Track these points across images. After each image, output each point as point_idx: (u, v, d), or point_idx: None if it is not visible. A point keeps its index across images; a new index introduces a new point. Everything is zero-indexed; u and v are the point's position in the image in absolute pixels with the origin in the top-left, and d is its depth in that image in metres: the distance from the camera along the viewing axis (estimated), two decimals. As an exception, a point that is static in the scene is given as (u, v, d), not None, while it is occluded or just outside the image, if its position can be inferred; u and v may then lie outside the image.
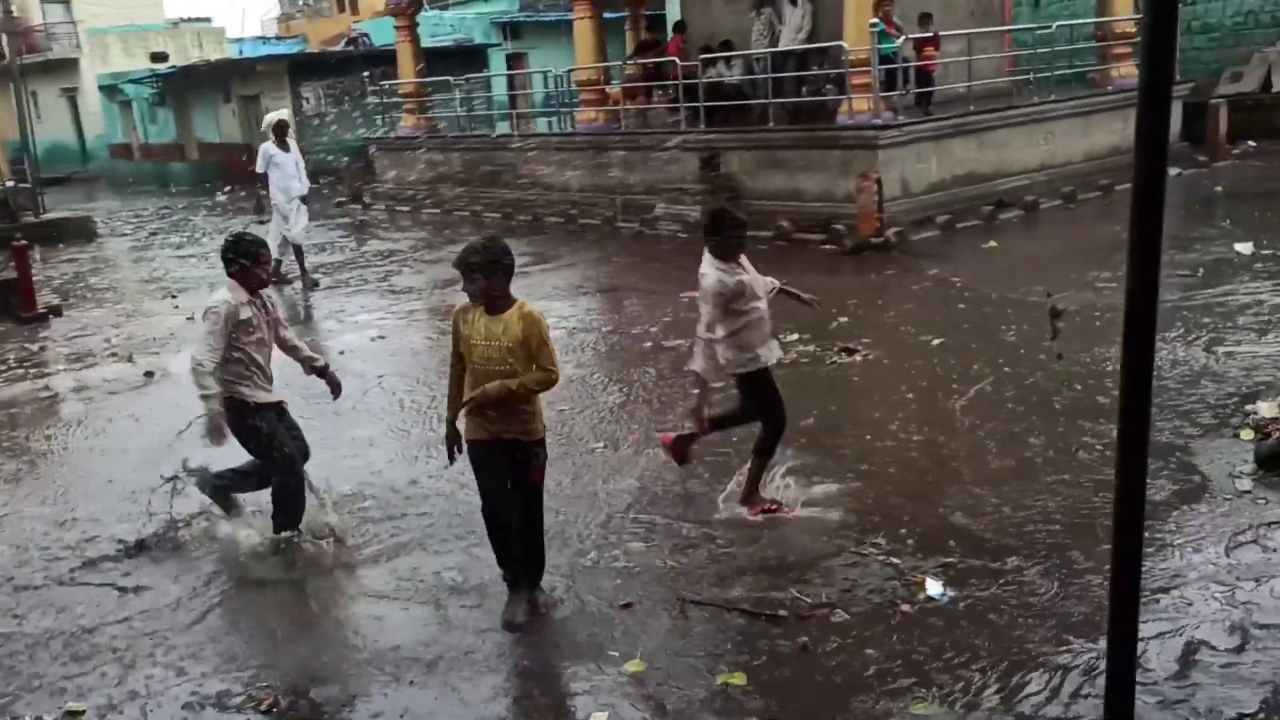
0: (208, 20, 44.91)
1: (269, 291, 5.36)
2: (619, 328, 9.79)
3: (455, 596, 4.76)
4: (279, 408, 5.34)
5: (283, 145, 12.60)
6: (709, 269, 5.17)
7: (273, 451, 5.20)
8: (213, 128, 32.41)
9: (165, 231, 20.46)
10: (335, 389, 5.61)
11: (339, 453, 6.66)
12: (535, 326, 4.21)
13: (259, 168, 12.61)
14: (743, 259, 5.30)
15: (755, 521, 5.23)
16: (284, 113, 13.31)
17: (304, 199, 12.71)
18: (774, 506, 5.30)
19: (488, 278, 4.20)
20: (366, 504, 5.85)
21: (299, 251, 12.85)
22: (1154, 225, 2.06)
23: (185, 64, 33.84)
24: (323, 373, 5.53)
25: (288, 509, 5.28)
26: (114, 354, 10.04)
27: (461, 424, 4.42)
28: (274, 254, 12.66)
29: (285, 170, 12.52)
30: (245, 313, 5.11)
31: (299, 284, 12.77)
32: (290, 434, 5.34)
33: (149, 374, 9.14)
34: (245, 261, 5.15)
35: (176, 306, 12.22)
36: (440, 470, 6.12)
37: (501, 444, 4.34)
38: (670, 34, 18.05)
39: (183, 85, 32.64)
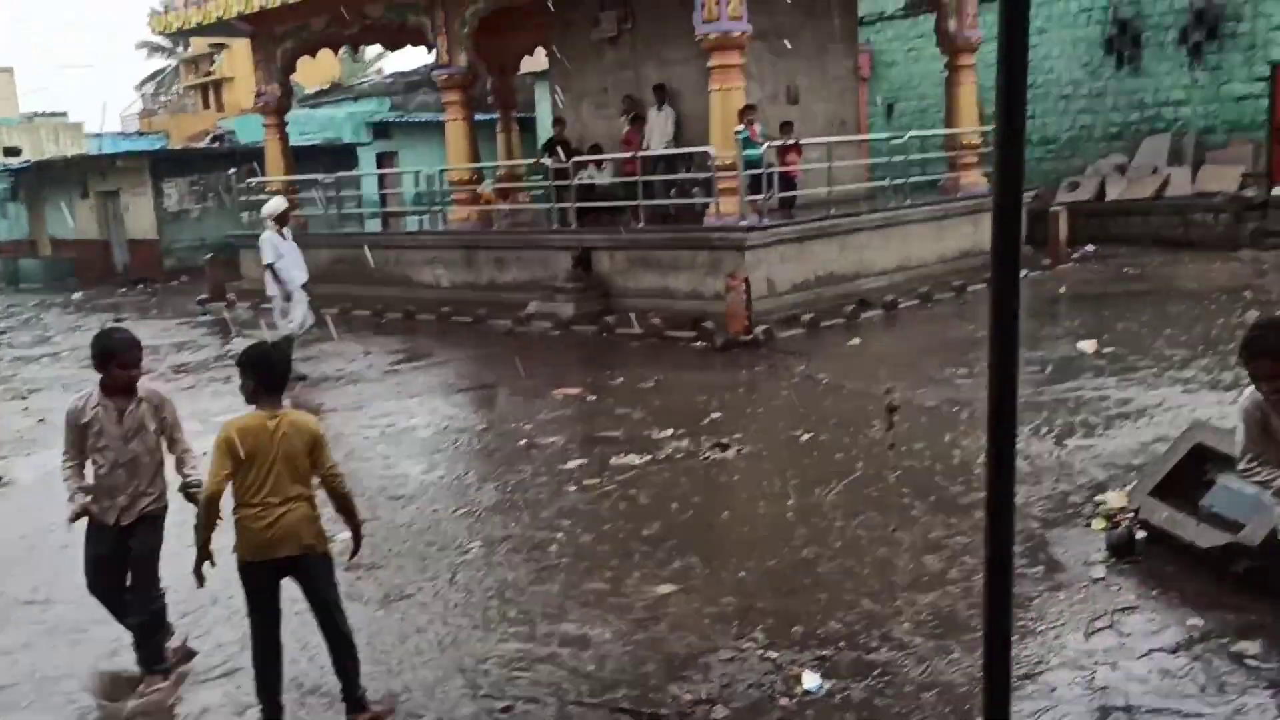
0: (64, 115, 43.85)
1: (154, 394, 4.84)
2: (492, 425, 9.74)
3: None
4: (115, 526, 4.76)
5: (282, 234, 12.10)
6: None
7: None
8: (67, 224, 31.37)
9: (14, 330, 19.55)
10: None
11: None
12: None
13: (267, 258, 11.93)
14: None
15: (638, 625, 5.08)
16: (283, 200, 12.76)
17: (304, 287, 12.18)
18: None
19: None
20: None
21: (289, 342, 12.20)
22: (1010, 324, 2.19)
23: (40, 158, 32.87)
24: (185, 489, 4.83)
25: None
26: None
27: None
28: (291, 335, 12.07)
29: (289, 259, 12.04)
30: (86, 416, 4.69)
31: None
32: (130, 556, 4.80)
33: (-4, 479, 8.67)
34: (94, 360, 4.73)
35: (26, 408, 11.64)
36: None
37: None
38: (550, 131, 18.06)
39: (37, 180, 31.63)
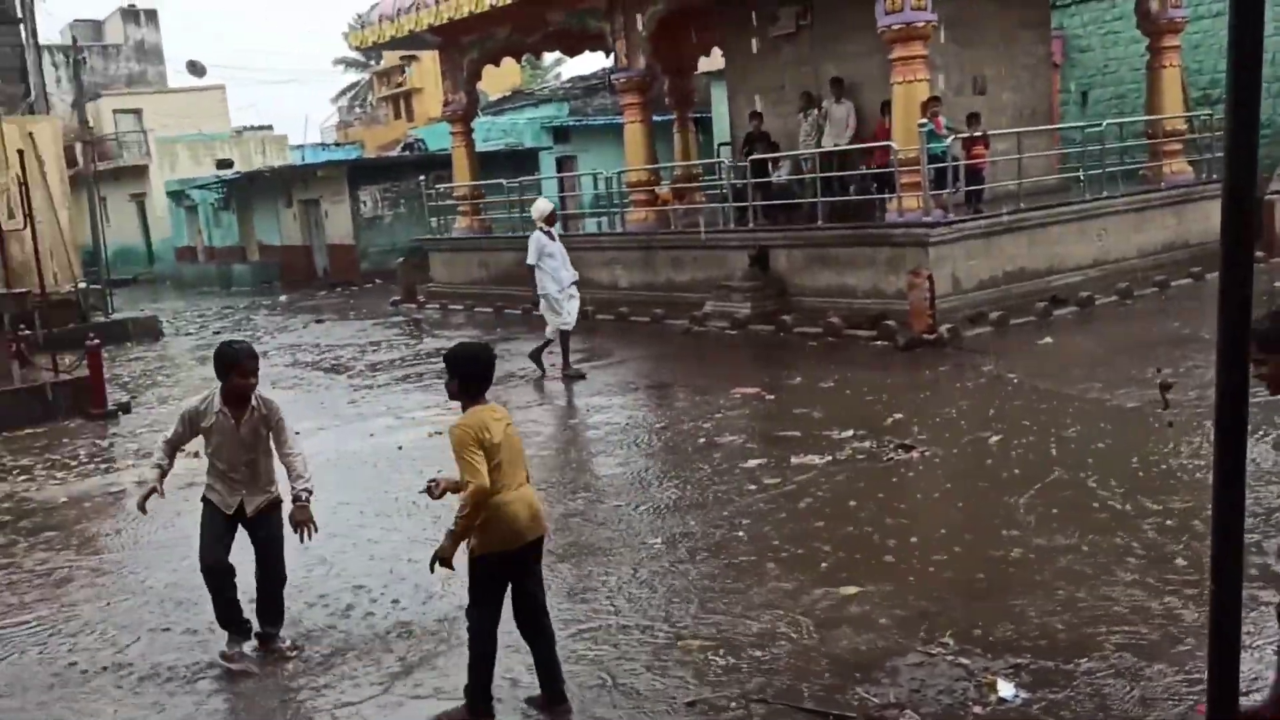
0: (270, 128, 46.61)
1: (265, 401, 5.17)
2: (671, 424, 9.81)
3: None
4: (239, 516, 5.19)
5: (549, 235, 12.29)
6: None
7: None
8: (274, 230, 33.41)
9: (228, 330, 20.96)
10: (293, 524, 5.14)
11: (395, 546, 6.72)
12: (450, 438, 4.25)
13: (531, 259, 12.07)
14: None
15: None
16: (549, 202, 12.84)
17: (574, 284, 12.42)
18: None
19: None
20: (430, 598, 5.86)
21: (566, 340, 12.47)
22: (1241, 319, 2.04)
23: (249, 170, 35.08)
24: (295, 500, 5.14)
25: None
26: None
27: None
28: (554, 342, 12.37)
29: (556, 260, 12.16)
30: (207, 420, 5.10)
31: (556, 374, 12.39)
32: (258, 544, 5.25)
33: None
34: (216, 369, 5.09)
35: (238, 403, 12.44)
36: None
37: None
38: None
39: (247, 190, 33.79)
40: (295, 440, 5.28)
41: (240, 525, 5.25)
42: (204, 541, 5.21)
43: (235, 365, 5.02)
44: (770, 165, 16.44)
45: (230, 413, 5.07)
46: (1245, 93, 2.03)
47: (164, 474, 5.22)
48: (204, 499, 5.26)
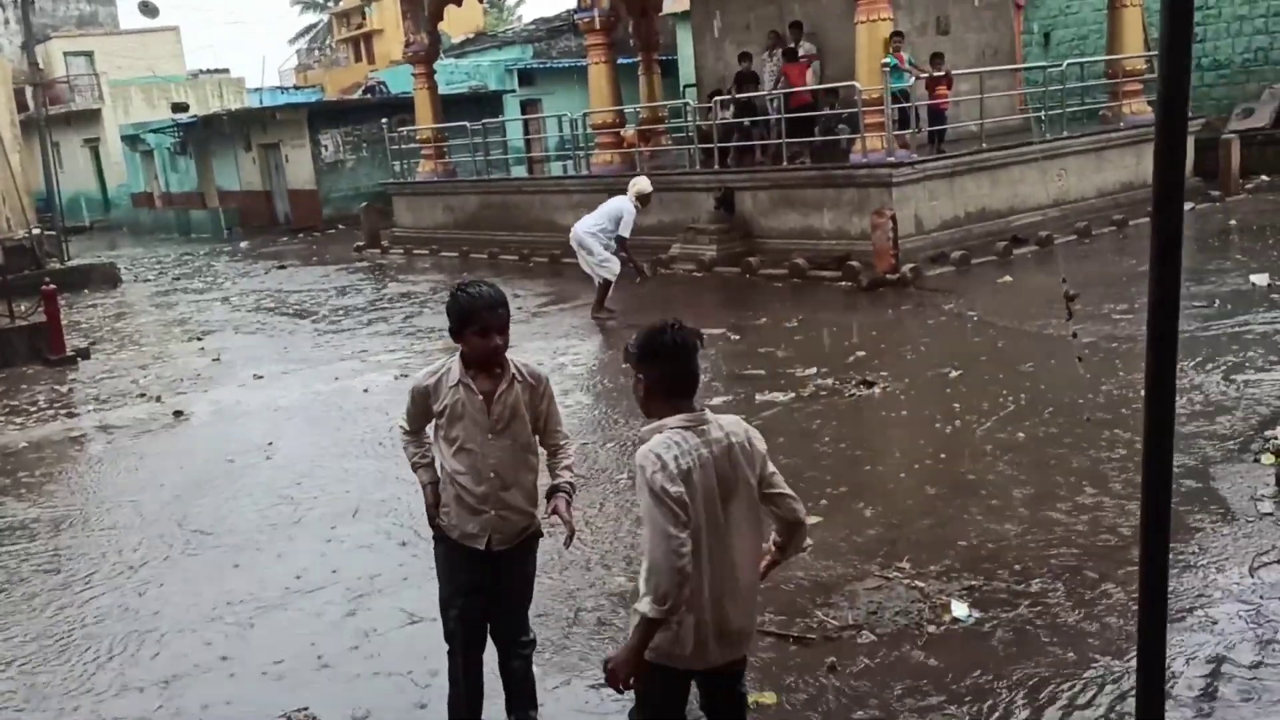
0: (226, 71, 45.73)
1: (531, 371, 3.64)
2: (638, 364, 9.86)
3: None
4: (482, 552, 3.58)
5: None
6: None
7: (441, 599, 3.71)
8: (233, 175, 32.91)
9: (188, 277, 20.73)
10: (560, 516, 3.64)
11: (364, 487, 6.77)
12: None
13: (626, 232, 11.96)
14: None
15: None
16: (649, 184, 12.44)
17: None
18: None
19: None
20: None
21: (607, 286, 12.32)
22: (1173, 262, 2.10)
23: (206, 113, 34.44)
24: (557, 491, 3.69)
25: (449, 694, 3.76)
26: (143, 394, 10.19)
27: None
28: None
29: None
30: (441, 399, 3.53)
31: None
32: (497, 594, 3.67)
33: (178, 413, 9.27)
34: (450, 327, 3.52)
35: (202, 349, 12.39)
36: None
37: None
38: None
39: (204, 134, 33.22)
40: (565, 427, 3.86)
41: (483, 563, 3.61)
42: (446, 596, 3.66)
43: (472, 317, 3.42)
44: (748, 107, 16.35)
45: (476, 385, 3.51)
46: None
47: (431, 476, 3.66)
48: (436, 530, 3.69)
